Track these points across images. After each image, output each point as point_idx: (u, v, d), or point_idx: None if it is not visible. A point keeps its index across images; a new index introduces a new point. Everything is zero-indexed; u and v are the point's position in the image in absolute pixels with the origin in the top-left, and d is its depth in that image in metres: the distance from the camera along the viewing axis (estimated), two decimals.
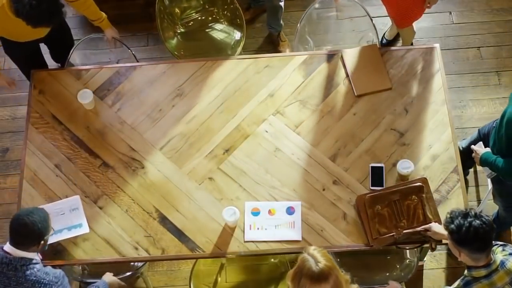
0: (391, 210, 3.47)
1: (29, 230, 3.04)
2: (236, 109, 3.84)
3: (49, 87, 3.97)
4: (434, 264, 4.17)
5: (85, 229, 3.55)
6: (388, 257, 3.72)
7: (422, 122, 3.74)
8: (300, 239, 3.49)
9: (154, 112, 3.87)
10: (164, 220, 3.58)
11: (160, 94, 3.91)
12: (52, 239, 3.36)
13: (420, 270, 4.11)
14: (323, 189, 3.61)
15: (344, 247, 3.48)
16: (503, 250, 2.96)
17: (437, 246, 3.38)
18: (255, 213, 3.56)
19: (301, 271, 2.74)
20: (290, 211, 3.55)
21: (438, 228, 3.30)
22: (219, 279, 3.75)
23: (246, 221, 3.54)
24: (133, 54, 4.21)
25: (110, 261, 3.53)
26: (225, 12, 4.40)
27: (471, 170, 4.35)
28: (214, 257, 3.56)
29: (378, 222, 3.45)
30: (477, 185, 4.38)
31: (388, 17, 4.59)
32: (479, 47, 4.86)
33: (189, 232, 3.55)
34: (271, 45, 4.93)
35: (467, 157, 3.71)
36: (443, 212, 3.31)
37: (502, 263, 2.88)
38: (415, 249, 3.56)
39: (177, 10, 4.40)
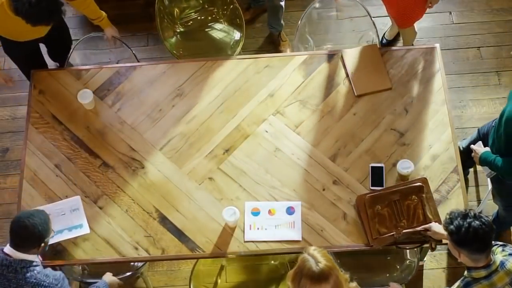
0: (391, 210, 3.47)
1: (29, 233, 3.03)
2: (236, 109, 3.84)
3: (49, 87, 3.96)
4: (434, 264, 4.17)
5: (85, 230, 3.55)
6: (388, 258, 3.72)
7: (422, 122, 3.74)
8: (300, 239, 3.49)
9: (154, 112, 3.87)
10: (164, 220, 3.58)
11: (160, 94, 3.91)
12: (52, 239, 3.35)
13: (420, 270, 4.11)
14: (323, 189, 3.60)
15: (344, 247, 3.48)
16: (503, 250, 2.95)
17: (437, 246, 3.38)
18: (255, 213, 3.56)
19: (301, 271, 2.75)
20: (290, 211, 3.55)
21: (438, 228, 3.30)
22: (219, 279, 3.75)
23: (246, 221, 3.54)
24: (133, 53, 4.21)
25: (110, 261, 3.53)
26: (225, 12, 4.40)
27: (471, 170, 4.35)
28: (214, 257, 3.55)
29: (378, 222, 3.45)
30: (477, 185, 4.38)
31: (388, 17, 4.59)
32: (479, 47, 4.86)
33: (189, 232, 3.55)
34: (272, 45, 4.93)
35: (467, 157, 3.71)
36: (443, 212, 3.32)
37: (502, 263, 2.87)
38: (416, 250, 3.56)
39: (176, 9, 4.40)
